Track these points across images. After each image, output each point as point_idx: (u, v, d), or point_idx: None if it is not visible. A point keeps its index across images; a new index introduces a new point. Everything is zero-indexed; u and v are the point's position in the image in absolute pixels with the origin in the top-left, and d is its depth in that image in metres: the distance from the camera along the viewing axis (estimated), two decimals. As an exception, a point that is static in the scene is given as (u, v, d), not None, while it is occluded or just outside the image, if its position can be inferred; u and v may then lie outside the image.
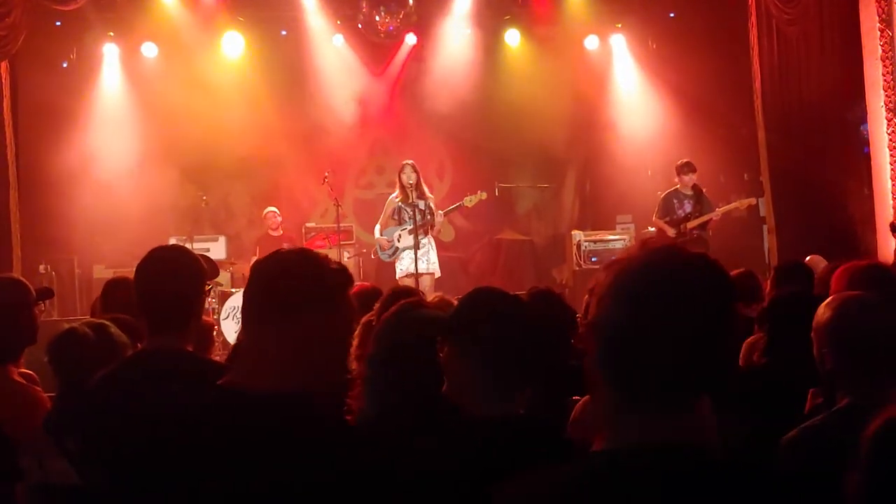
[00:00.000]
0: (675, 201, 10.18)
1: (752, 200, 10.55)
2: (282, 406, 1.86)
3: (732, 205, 10.33)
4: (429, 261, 9.48)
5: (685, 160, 10.21)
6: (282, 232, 11.15)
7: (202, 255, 3.02)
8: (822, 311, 2.67)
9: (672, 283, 1.42)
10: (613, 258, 1.51)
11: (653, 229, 10.94)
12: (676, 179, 10.22)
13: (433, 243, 9.68)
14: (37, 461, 2.87)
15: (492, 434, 2.14)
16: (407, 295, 3.92)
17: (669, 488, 1.37)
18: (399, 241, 9.58)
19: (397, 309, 2.63)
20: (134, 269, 2.82)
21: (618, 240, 11.94)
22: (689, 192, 10.15)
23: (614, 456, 1.42)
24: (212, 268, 2.97)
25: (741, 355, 4.16)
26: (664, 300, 1.41)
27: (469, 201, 9.78)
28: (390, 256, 9.71)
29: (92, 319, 3.45)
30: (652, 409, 1.42)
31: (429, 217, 9.51)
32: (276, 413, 1.85)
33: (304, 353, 1.94)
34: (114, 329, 3.19)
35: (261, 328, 1.95)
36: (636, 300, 1.42)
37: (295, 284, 1.94)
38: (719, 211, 10.18)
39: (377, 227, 9.85)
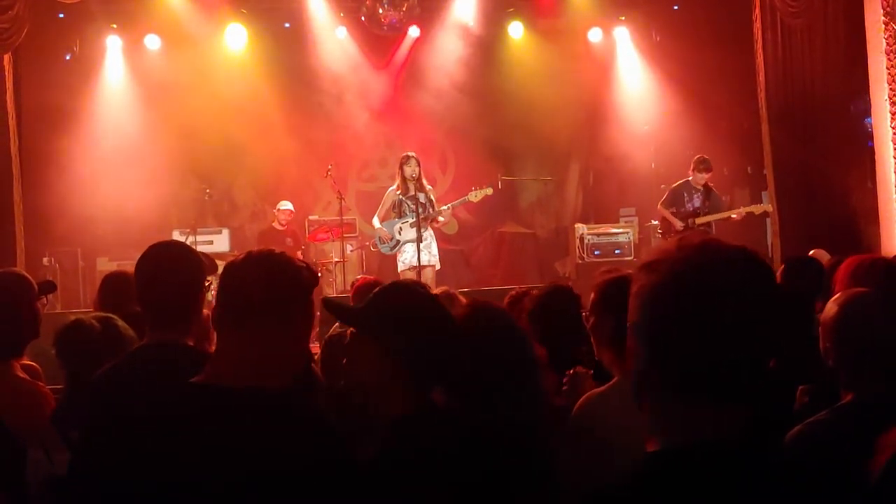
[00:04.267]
0: (684, 194, 10.06)
1: (769, 207, 10.46)
2: (257, 401, 1.91)
3: (749, 208, 10.21)
4: (430, 253, 9.48)
5: (704, 157, 9.99)
6: (286, 227, 11.16)
7: (201, 252, 3.04)
8: (830, 307, 2.68)
9: (716, 279, 1.42)
10: (649, 259, 1.49)
11: (656, 222, 10.91)
12: (690, 173, 10.07)
13: (434, 236, 9.67)
14: (44, 453, 2.88)
15: (413, 429, 2.19)
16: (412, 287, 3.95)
17: (730, 485, 1.37)
18: (400, 233, 9.57)
19: None
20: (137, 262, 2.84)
21: (621, 233, 11.92)
22: (700, 188, 10.03)
23: (671, 456, 1.42)
24: (210, 264, 2.98)
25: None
26: (710, 297, 1.41)
27: (474, 196, 9.72)
28: (391, 250, 9.69)
29: (98, 312, 3.45)
30: (702, 407, 1.42)
31: (430, 210, 9.50)
32: (252, 408, 1.90)
33: (279, 353, 2.02)
34: (120, 322, 3.20)
35: (238, 332, 2.01)
36: (682, 299, 1.42)
37: (273, 290, 2.01)
38: (734, 211, 10.07)
39: (375, 219, 9.81)
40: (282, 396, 1.96)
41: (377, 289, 2.39)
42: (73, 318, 3.29)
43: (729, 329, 1.40)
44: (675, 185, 10.24)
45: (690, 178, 10.05)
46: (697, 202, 10.02)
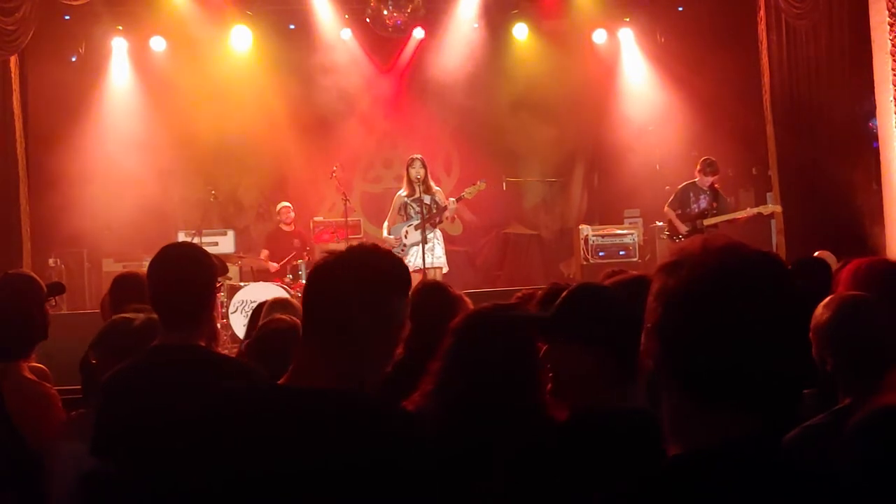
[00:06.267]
0: (691, 195, 10.01)
1: (778, 208, 10.45)
2: (336, 401, 1.89)
3: (758, 209, 10.17)
4: (434, 255, 9.46)
5: (711, 160, 9.92)
6: (293, 227, 11.17)
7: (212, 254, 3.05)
8: (821, 312, 2.69)
9: (741, 284, 1.41)
10: (671, 260, 1.48)
11: (661, 223, 10.90)
12: (697, 174, 10.04)
13: (440, 238, 9.67)
14: (83, 445, 2.88)
15: (614, 425, 2.15)
16: (436, 288, 3.97)
17: (756, 486, 1.36)
18: (406, 237, 9.57)
19: (484, 310, 2.67)
20: (143, 262, 2.86)
21: (626, 234, 11.90)
22: (706, 189, 9.99)
23: (695, 459, 1.40)
24: (221, 265, 3.00)
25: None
26: (734, 301, 1.40)
27: (469, 193, 9.70)
28: (399, 254, 9.66)
29: (141, 315, 3.43)
30: (725, 411, 1.41)
31: (434, 212, 9.51)
32: (328, 407, 1.88)
33: (363, 358, 1.98)
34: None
35: (321, 337, 1.97)
36: (705, 302, 1.41)
37: (357, 302, 1.95)
38: (743, 212, 10.04)
39: (385, 225, 9.82)
40: (359, 396, 1.93)
41: (565, 294, 2.35)
42: (119, 317, 3.27)
43: (754, 334, 1.40)
44: (680, 186, 10.20)
45: (696, 180, 10.01)
46: (704, 203, 9.99)
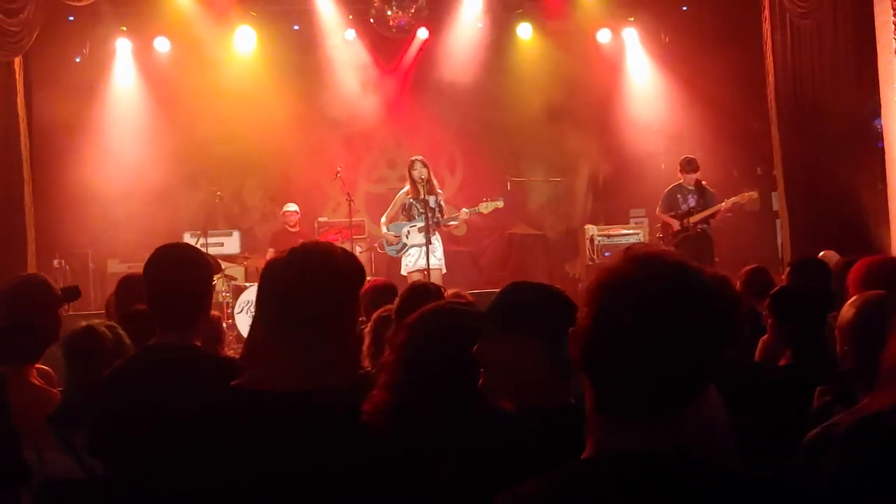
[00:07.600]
0: (678, 196, 10.18)
1: (754, 194, 10.47)
2: (298, 404, 1.88)
3: (734, 199, 10.23)
4: (436, 257, 9.48)
5: (690, 157, 10.16)
6: (298, 228, 11.19)
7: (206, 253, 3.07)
8: (847, 310, 2.71)
9: (647, 292, 1.40)
10: (609, 266, 1.48)
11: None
12: (680, 175, 10.19)
13: (440, 240, 9.70)
14: (37, 455, 2.90)
15: (554, 423, 2.12)
16: (426, 290, 3.96)
17: (644, 498, 1.34)
18: (407, 237, 9.59)
19: (441, 305, 2.65)
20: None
21: (631, 234, 11.91)
22: (692, 188, 10.13)
23: (593, 465, 1.40)
24: (214, 263, 3.01)
25: (758, 353, 4.14)
26: (638, 308, 1.39)
27: (485, 208, 9.80)
28: (397, 252, 9.73)
29: (106, 321, 3.48)
30: (631, 416, 1.40)
31: (438, 214, 9.53)
32: (292, 410, 1.87)
33: (324, 356, 1.97)
34: (121, 331, 3.24)
35: (280, 337, 1.97)
36: (611, 307, 1.41)
37: (314, 296, 1.95)
38: (721, 205, 10.10)
39: (383, 220, 9.86)
40: (322, 398, 1.92)
41: (506, 288, 2.34)
42: (83, 323, 3.32)
43: (654, 343, 1.38)
44: (667, 189, 10.35)
45: (681, 181, 10.15)
46: (693, 201, 10.12)
